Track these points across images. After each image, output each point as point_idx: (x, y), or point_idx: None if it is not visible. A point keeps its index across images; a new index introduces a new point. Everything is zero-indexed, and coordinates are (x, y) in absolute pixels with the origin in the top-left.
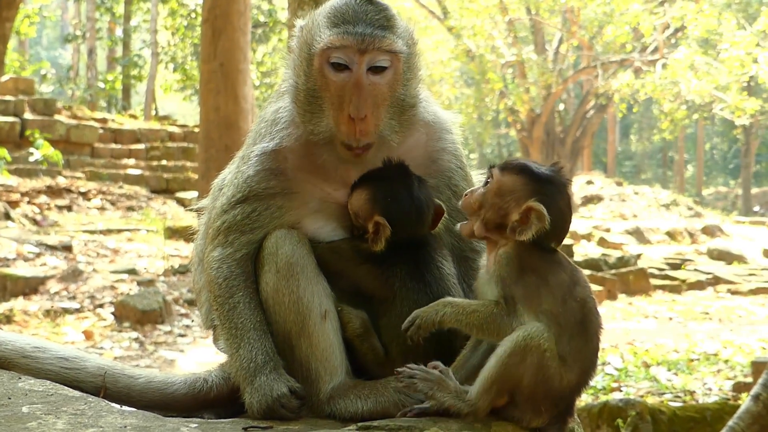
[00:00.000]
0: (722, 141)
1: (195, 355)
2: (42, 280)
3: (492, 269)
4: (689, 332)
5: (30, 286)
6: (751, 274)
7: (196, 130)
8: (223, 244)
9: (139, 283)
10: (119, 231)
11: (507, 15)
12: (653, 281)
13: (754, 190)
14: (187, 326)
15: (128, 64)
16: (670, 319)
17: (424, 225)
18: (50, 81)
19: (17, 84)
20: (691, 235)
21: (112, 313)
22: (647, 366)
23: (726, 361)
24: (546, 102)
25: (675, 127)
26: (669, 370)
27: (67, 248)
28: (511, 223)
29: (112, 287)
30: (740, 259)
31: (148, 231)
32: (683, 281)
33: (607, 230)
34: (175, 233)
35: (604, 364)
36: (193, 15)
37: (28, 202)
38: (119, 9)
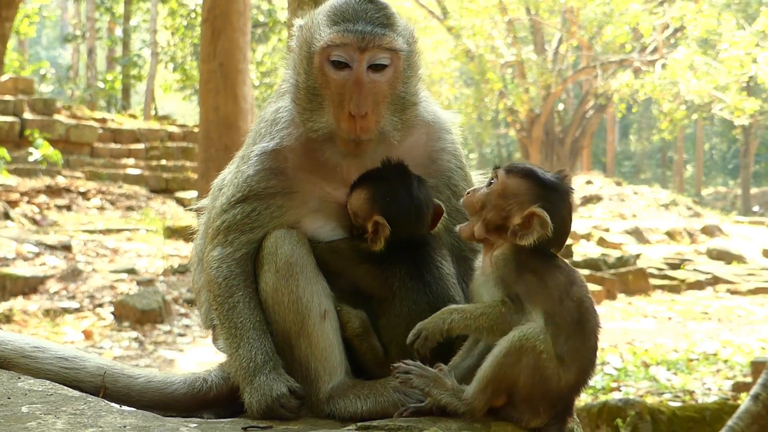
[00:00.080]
0: (721, 141)
1: (194, 354)
2: (41, 280)
3: (489, 271)
4: (688, 332)
5: (29, 286)
6: (750, 274)
7: (196, 129)
8: (223, 243)
9: (139, 283)
10: (119, 231)
11: (506, 15)
12: (652, 281)
13: (754, 190)
14: (187, 326)
15: (128, 64)
16: (670, 318)
17: (423, 225)
18: (50, 81)
19: (17, 84)
20: (690, 235)
21: (112, 313)
22: (646, 366)
23: (725, 361)
24: (545, 102)
25: (674, 127)
26: (668, 369)
27: (67, 248)
28: (512, 226)
29: (112, 287)
30: (739, 259)
31: (147, 231)
32: (682, 281)
33: (607, 230)
34: (174, 233)
35: (603, 363)
36: (192, 15)
37: (28, 202)
38: (119, 9)
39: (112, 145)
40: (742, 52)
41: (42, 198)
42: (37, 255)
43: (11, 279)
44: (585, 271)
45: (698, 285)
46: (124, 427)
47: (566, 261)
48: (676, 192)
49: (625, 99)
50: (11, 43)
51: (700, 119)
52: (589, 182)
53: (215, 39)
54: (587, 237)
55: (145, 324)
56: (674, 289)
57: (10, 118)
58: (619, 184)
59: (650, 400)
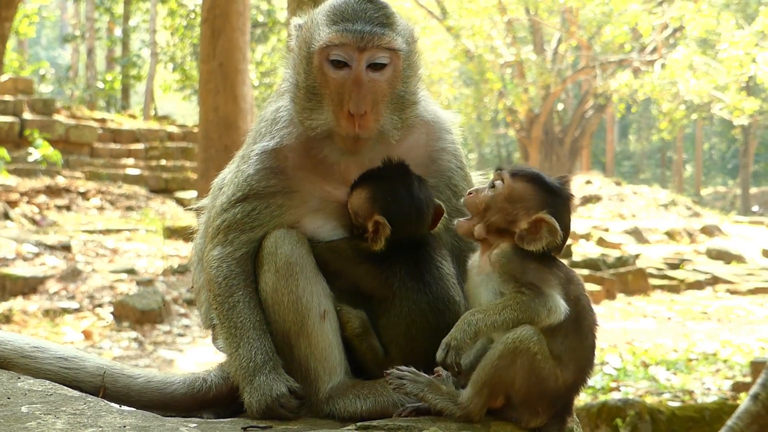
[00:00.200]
0: (721, 141)
1: (194, 354)
2: (41, 280)
3: (488, 269)
4: (688, 332)
5: (29, 286)
6: (749, 274)
7: (195, 130)
8: (223, 242)
9: (138, 283)
10: (118, 231)
11: (506, 15)
12: (652, 281)
13: (753, 190)
14: (186, 326)
15: (127, 64)
16: (669, 318)
17: (423, 224)
18: (49, 81)
19: (16, 84)
20: (689, 234)
21: (111, 313)
22: (646, 366)
23: (725, 361)
24: (545, 102)
25: (673, 127)
26: (668, 369)
27: (66, 248)
28: (519, 231)
29: (111, 287)
30: (739, 258)
31: (147, 231)
32: (682, 281)
33: (606, 230)
34: (174, 233)
35: (602, 363)
36: (192, 15)
37: (28, 202)
38: (118, 9)
39: (112, 146)
40: (742, 51)
41: (42, 198)
42: (37, 255)
43: (11, 279)
44: (584, 271)
45: (698, 285)
46: (124, 427)
47: (563, 261)
48: (675, 192)
49: (625, 99)
50: (11, 43)
51: (699, 119)
52: (588, 182)
53: (215, 39)
54: (587, 237)
55: (145, 324)
56: (674, 289)
57: (9, 118)
58: (618, 184)
59: (650, 400)
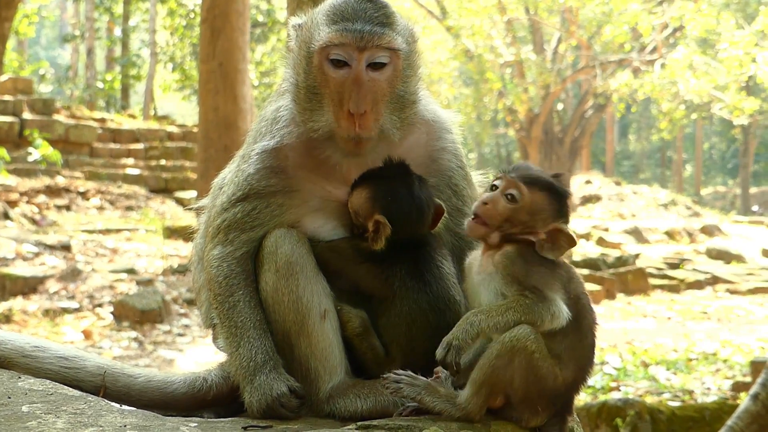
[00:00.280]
0: (721, 140)
1: (194, 354)
2: (41, 280)
3: (491, 270)
4: (688, 332)
5: (29, 286)
6: (749, 274)
7: (195, 129)
8: (224, 242)
9: (138, 283)
10: (118, 231)
11: (505, 15)
12: (652, 281)
13: (753, 190)
14: (186, 326)
15: (127, 64)
16: (669, 318)
17: (424, 224)
18: (49, 81)
19: (16, 84)
20: (689, 234)
21: (111, 313)
22: (646, 365)
23: (725, 361)
24: (544, 102)
25: (673, 127)
26: (668, 369)
27: (66, 248)
28: (538, 240)
29: (111, 287)
30: (739, 258)
31: (146, 231)
32: (682, 281)
33: (606, 230)
34: (173, 233)
35: (602, 363)
36: (191, 15)
37: (27, 202)
38: (118, 9)
39: (112, 145)
40: (742, 51)
41: (41, 198)
42: (37, 255)
43: (11, 279)
44: (584, 271)
45: (697, 285)
46: (125, 426)
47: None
48: (675, 192)
49: (625, 99)
50: (10, 43)
51: (699, 119)
52: (588, 182)
53: (214, 39)
54: (586, 237)
55: (145, 324)
56: (673, 289)
57: (9, 118)
58: (618, 183)
59: (650, 399)
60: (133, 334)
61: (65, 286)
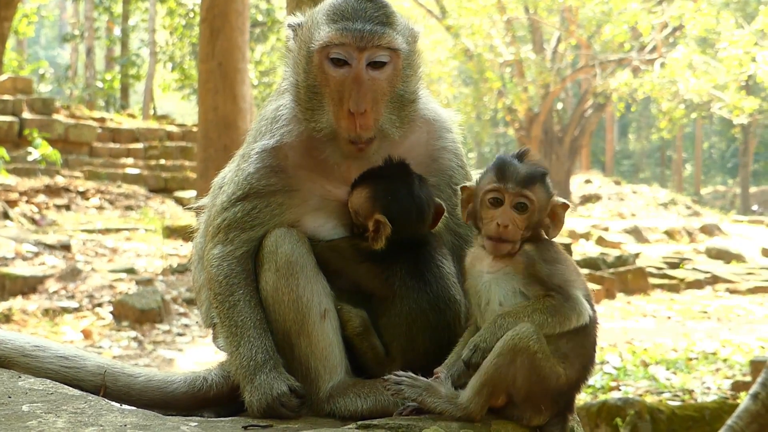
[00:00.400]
0: (720, 140)
1: (193, 354)
2: (41, 280)
3: (509, 269)
4: (688, 331)
5: (28, 286)
6: (749, 273)
7: (195, 129)
8: (224, 241)
9: (138, 283)
10: (118, 230)
11: (505, 14)
12: (652, 280)
13: (753, 189)
14: (186, 325)
15: (126, 64)
16: (669, 318)
17: (424, 224)
18: (48, 80)
19: (15, 83)
20: (689, 234)
21: (111, 313)
22: (646, 365)
23: (725, 360)
24: (544, 101)
25: (673, 126)
26: (668, 369)
27: (66, 247)
28: (543, 227)
29: (111, 286)
30: (738, 258)
31: (146, 230)
32: (682, 280)
33: (606, 229)
34: (173, 232)
35: (602, 363)
36: (191, 14)
37: (27, 202)
38: (117, 8)
39: (111, 145)
40: (741, 50)
41: (41, 197)
42: (36, 254)
43: (10, 278)
44: (584, 271)
45: (697, 284)
46: (125, 425)
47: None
48: (675, 191)
49: (624, 98)
50: (10, 42)
51: (699, 118)
52: (588, 181)
53: (214, 38)
54: (586, 236)
55: (144, 323)
56: (673, 289)
57: (8, 118)
58: (618, 183)
59: (649, 399)
60: (133, 333)
61: (65, 285)
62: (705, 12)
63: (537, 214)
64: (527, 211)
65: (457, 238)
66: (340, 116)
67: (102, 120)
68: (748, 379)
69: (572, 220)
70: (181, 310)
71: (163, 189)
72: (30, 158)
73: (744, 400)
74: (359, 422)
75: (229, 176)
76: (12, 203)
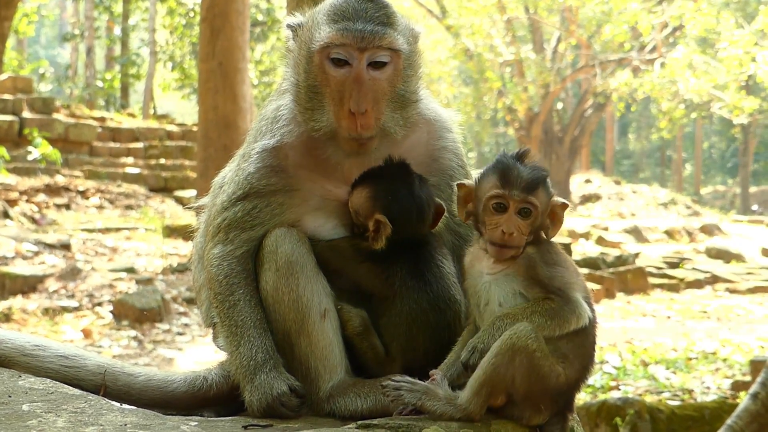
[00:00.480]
0: (720, 140)
1: (193, 353)
2: (41, 279)
3: (510, 271)
4: (688, 331)
5: (28, 285)
6: (749, 273)
7: (195, 128)
8: (224, 241)
9: (138, 282)
10: (118, 230)
11: (505, 14)
12: (651, 280)
13: (753, 189)
14: (186, 325)
15: (126, 63)
16: (669, 317)
17: (424, 224)
18: (49, 80)
19: (16, 83)
20: (689, 233)
21: (111, 312)
22: (645, 365)
23: (724, 360)
24: (544, 101)
25: (673, 126)
26: (667, 368)
27: (66, 247)
28: (543, 228)
29: (111, 286)
30: (738, 257)
31: (146, 230)
32: (681, 280)
33: (606, 229)
34: (173, 232)
35: (602, 362)
36: (191, 14)
37: (27, 201)
38: (118, 8)
39: (111, 144)
40: (741, 50)
41: (41, 197)
42: (36, 254)
43: (10, 278)
44: (584, 270)
45: (697, 284)
46: (125, 425)
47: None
48: (675, 191)
49: (624, 98)
50: (10, 42)
51: (699, 118)
52: (588, 181)
53: (214, 38)
54: (586, 236)
55: (144, 323)
56: (673, 288)
57: (9, 117)
58: (618, 183)
59: (649, 399)
60: (133, 332)
61: (65, 284)
62: (705, 12)
63: (540, 216)
64: (531, 216)
65: (457, 238)
66: (340, 116)
67: (102, 119)
68: (748, 378)
69: (572, 220)
70: (181, 309)
71: (163, 188)
72: (30, 157)
73: (744, 399)
74: (359, 422)
75: (230, 176)
76: (12, 202)
